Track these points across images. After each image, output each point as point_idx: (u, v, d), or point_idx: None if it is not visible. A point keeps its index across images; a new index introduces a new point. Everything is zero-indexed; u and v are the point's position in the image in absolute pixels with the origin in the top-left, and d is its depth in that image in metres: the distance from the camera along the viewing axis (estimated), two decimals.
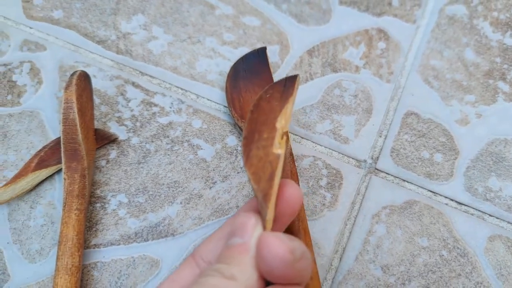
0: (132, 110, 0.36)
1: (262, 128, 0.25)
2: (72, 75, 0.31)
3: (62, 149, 0.30)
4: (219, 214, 0.33)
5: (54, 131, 0.35)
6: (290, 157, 0.32)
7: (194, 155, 0.34)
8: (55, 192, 0.33)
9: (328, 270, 0.31)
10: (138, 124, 0.35)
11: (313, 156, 0.35)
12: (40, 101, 0.36)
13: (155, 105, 0.36)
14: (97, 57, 0.38)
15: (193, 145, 0.35)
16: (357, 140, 0.35)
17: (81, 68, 0.37)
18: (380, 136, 0.36)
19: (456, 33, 0.39)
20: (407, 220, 0.33)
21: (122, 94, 0.36)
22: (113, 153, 0.34)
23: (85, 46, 0.38)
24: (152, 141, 0.35)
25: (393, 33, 0.39)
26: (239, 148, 0.35)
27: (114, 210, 0.33)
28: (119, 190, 0.33)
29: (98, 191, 0.33)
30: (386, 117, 0.36)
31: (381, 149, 0.35)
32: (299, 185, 0.31)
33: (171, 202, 0.33)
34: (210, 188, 0.33)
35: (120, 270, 0.31)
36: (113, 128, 0.35)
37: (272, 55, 0.38)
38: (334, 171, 0.34)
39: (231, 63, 0.37)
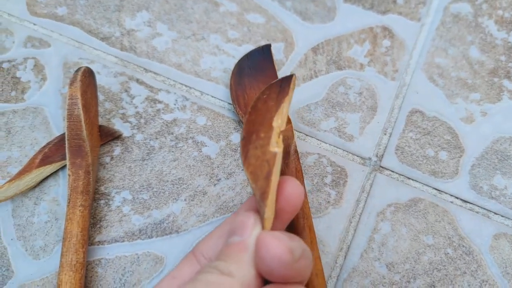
0: (136, 107, 0.36)
1: (259, 128, 0.25)
2: (76, 71, 0.30)
3: (66, 145, 0.30)
4: (224, 211, 0.33)
5: (58, 127, 0.35)
6: (295, 154, 0.32)
7: (198, 152, 0.34)
8: (59, 189, 0.33)
9: (333, 267, 0.31)
10: (142, 121, 0.35)
11: (318, 154, 0.35)
12: (44, 97, 0.36)
13: (160, 102, 0.36)
14: (101, 54, 0.38)
15: (198, 142, 0.35)
16: (362, 137, 0.35)
17: (85, 64, 0.37)
18: (385, 134, 0.35)
19: (461, 31, 0.39)
20: (412, 218, 0.33)
21: (126, 91, 0.36)
22: (117, 149, 0.34)
23: (89, 43, 0.38)
24: (157, 138, 0.35)
25: (397, 31, 0.39)
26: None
27: (118, 206, 0.33)
28: (123, 187, 0.33)
29: (102, 188, 0.33)
30: (390, 114, 0.36)
31: (385, 147, 0.35)
32: (304, 182, 0.31)
33: (175, 199, 0.33)
34: (215, 185, 0.33)
35: (124, 267, 0.31)
36: (117, 125, 0.35)
37: (277, 52, 0.38)
38: (339, 169, 0.34)
39: (236, 60, 0.37)
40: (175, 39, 0.39)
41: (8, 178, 0.33)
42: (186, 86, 0.37)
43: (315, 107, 0.36)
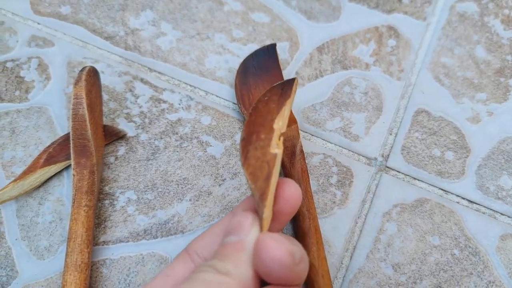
0: (140, 107, 0.36)
1: (260, 129, 0.25)
2: (81, 70, 0.30)
3: (71, 145, 0.30)
4: (229, 211, 0.32)
5: (62, 127, 0.35)
6: (300, 154, 0.32)
7: (203, 152, 0.34)
8: (64, 189, 0.33)
9: (338, 268, 0.31)
10: (146, 120, 0.35)
11: (323, 154, 0.34)
12: (48, 97, 0.36)
13: (164, 102, 0.36)
14: (105, 53, 0.38)
15: (202, 142, 0.34)
16: (368, 137, 0.35)
17: (89, 64, 0.37)
18: (391, 134, 0.35)
19: (467, 30, 0.39)
20: (418, 218, 0.32)
21: (130, 91, 0.36)
22: (121, 149, 0.34)
23: (93, 42, 0.38)
24: (161, 138, 0.35)
25: (403, 30, 0.39)
26: None
27: (122, 207, 0.33)
28: (127, 187, 0.33)
29: (106, 188, 0.33)
30: (396, 114, 0.36)
31: (391, 147, 0.35)
32: (309, 182, 0.31)
33: (180, 199, 0.33)
34: (220, 185, 0.33)
35: (129, 267, 0.31)
36: (122, 125, 0.35)
37: (282, 52, 0.38)
38: (345, 169, 0.34)
39: (240, 60, 0.37)
40: (179, 39, 0.38)
41: (13, 178, 0.33)
42: (190, 85, 0.37)
43: (321, 107, 0.36)
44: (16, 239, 0.32)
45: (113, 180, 0.33)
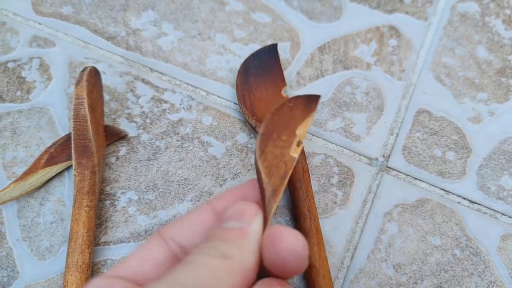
0: (142, 107, 0.36)
1: (282, 130, 0.27)
2: (82, 71, 0.30)
3: (72, 146, 0.30)
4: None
5: (63, 127, 0.35)
6: (301, 154, 0.32)
7: (204, 152, 0.34)
8: (65, 189, 0.33)
9: (339, 268, 0.31)
10: (148, 120, 0.35)
11: (324, 154, 0.34)
12: (50, 97, 0.36)
13: (165, 102, 0.36)
14: (107, 54, 0.38)
15: (203, 142, 0.35)
16: (369, 137, 0.35)
17: (90, 64, 0.37)
18: (392, 134, 0.35)
19: (468, 30, 0.39)
20: (419, 218, 0.32)
21: (132, 91, 0.36)
22: (123, 150, 0.34)
23: (94, 42, 0.38)
24: (162, 138, 0.35)
25: (404, 30, 0.39)
26: (250, 146, 0.34)
27: (124, 207, 0.33)
28: (129, 187, 0.33)
29: (107, 188, 0.33)
30: (397, 114, 0.36)
31: (392, 147, 0.35)
32: (310, 183, 0.31)
33: (181, 199, 0.33)
34: (221, 185, 0.33)
35: None
36: (123, 125, 0.35)
37: (283, 52, 0.38)
38: (346, 169, 0.34)
39: (242, 60, 0.37)
40: (180, 39, 0.38)
41: (14, 178, 0.33)
42: (192, 86, 0.37)
43: (322, 107, 0.36)
44: (17, 240, 0.32)
45: (114, 180, 0.33)
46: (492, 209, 0.33)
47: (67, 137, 0.33)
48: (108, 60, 0.37)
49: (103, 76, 0.36)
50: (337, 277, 0.31)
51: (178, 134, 0.35)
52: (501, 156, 0.34)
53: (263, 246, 0.22)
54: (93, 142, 0.30)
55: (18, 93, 0.36)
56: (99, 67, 0.37)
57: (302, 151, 0.32)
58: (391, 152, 0.35)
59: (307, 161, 0.34)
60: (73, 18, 0.39)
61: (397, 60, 0.38)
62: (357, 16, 0.40)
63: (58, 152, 0.33)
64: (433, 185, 0.34)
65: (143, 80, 0.37)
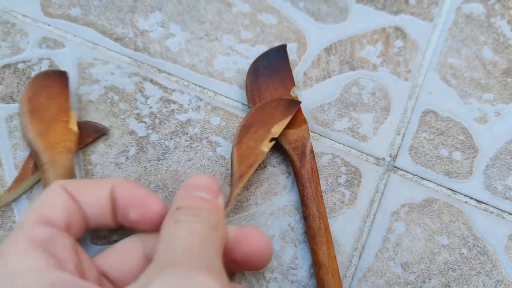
0: (150, 107, 0.36)
1: (260, 126, 0.31)
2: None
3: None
4: (238, 211, 0.33)
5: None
6: (310, 154, 0.32)
7: (213, 152, 0.34)
8: None
9: (348, 267, 0.31)
10: (157, 121, 0.35)
11: (332, 154, 0.35)
12: None
13: (174, 102, 0.36)
14: (115, 55, 0.38)
15: (212, 142, 0.35)
16: (375, 138, 0.35)
17: (99, 65, 0.37)
18: (398, 134, 0.36)
19: (474, 31, 0.39)
20: (426, 218, 0.33)
21: (140, 91, 0.36)
22: (132, 149, 0.34)
23: (103, 44, 0.39)
24: (171, 138, 0.35)
25: (410, 31, 0.39)
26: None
27: None
28: None
29: None
30: (404, 115, 0.36)
31: (399, 147, 0.35)
32: (319, 182, 0.32)
33: None
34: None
35: None
36: (132, 125, 0.35)
37: (290, 53, 0.38)
38: (353, 169, 0.34)
39: (249, 61, 0.38)
40: (188, 40, 0.39)
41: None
42: (199, 86, 0.37)
43: (329, 107, 0.36)
44: None
45: None
46: (499, 209, 0.33)
47: None
48: (117, 61, 0.38)
49: (111, 77, 0.37)
50: (345, 276, 0.31)
51: (186, 134, 0.35)
52: (508, 156, 0.35)
53: (232, 244, 0.24)
54: (38, 142, 0.31)
55: None
56: (108, 68, 0.37)
57: (311, 151, 0.32)
58: (398, 152, 0.35)
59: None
60: (81, 19, 0.39)
61: (403, 61, 0.38)
62: (363, 17, 0.40)
63: None
64: (440, 185, 0.34)
65: (151, 80, 0.37)
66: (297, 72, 0.38)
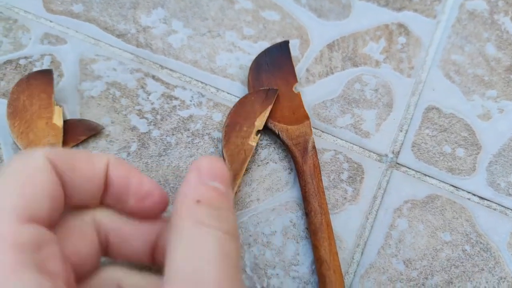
0: (152, 103, 0.36)
1: (243, 122, 0.32)
2: None
3: None
4: (240, 207, 0.33)
5: None
6: (313, 150, 0.32)
7: (215, 148, 0.34)
8: None
9: (350, 263, 0.31)
10: (158, 117, 0.35)
11: (334, 150, 0.35)
12: (61, 94, 0.36)
13: (176, 98, 0.36)
14: (117, 51, 0.38)
15: (214, 138, 0.35)
16: (378, 134, 0.35)
17: (101, 61, 0.37)
18: (401, 131, 0.35)
19: (477, 28, 0.39)
20: (429, 214, 0.33)
21: (142, 87, 0.36)
22: (134, 145, 0.34)
23: (105, 40, 0.38)
24: (173, 134, 0.35)
25: (413, 28, 0.39)
26: (260, 142, 0.35)
27: None
28: None
29: None
30: (407, 111, 0.36)
31: (402, 144, 0.35)
32: (321, 178, 0.31)
33: None
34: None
35: None
36: (134, 121, 0.35)
37: (292, 49, 0.38)
38: (355, 165, 0.34)
39: (251, 57, 0.37)
40: (190, 36, 0.39)
41: None
42: (202, 82, 0.37)
43: (331, 103, 0.36)
44: None
45: None
46: (502, 206, 0.33)
47: None
48: (119, 57, 0.38)
49: (113, 73, 0.37)
50: (347, 272, 0.31)
51: (188, 130, 0.35)
52: (511, 153, 0.35)
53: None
54: (19, 141, 0.32)
55: None
56: (110, 64, 0.37)
57: (313, 147, 0.32)
58: (400, 148, 0.35)
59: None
60: (83, 15, 0.39)
61: (406, 57, 0.38)
62: (366, 14, 0.40)
63: None
64: (443, 182, 0.34)
65: (153, 77, 0.37)
66: (300, 68, 0.38)
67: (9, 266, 0.15)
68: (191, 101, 0.36)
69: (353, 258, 0.31)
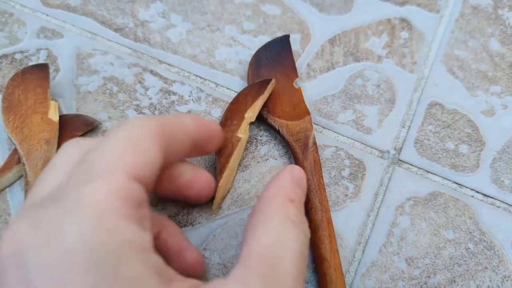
0: (150, 98, 0.35)
1: (234, 116, 0.31)
2: None
3: None
4: (239, 204, 0.32)
5: None
6: (313, 146, 0.31)
7: None
8: None
9: (351, 262, 0.31)
10: (156, 112, 0.35)
11: (335, 147, 0.34)
12: (57, 88, 0.36)
13: (174, 94, 0.36)
14: (115, 45, 0.37)
15: None
16: (380, 130, 0.35)
17: (98, 55, 0.37)
18: (403, 127, 0.35)
19: (481, 23, 0.39)
20: (432, 212, 0.32)
21: (140, 82, 0.36)
22: None
23: (102, 34, 0.38)
24: None
25: (416, 22, 0.39)
26: (259, 138, 0.34)
27: None
28: None
29: None
30: (409, 107, 0.35)
31: (404, 140, 0.34)
32: (322, 175, 0.31)
33: None
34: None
35: None
36: (132, 116, 0.34)
37: (293, 43, 0.37)
38: (357, 162, 0.34)
39: (251, 52, 0.37)
40: (189, 30, 0.38)
41: None
42: (200, 77, 0.36)
43: (332, 99, 0.36)
44: None
45: None
46: (506, 203, 0.32)
47: None
48: (116, 52, 0.37)
49: (111, 68, 0.36)
50: (348, 271, 0.30)
51: None
52: None
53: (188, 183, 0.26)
54: (13, 136, 0.31)
55: None
56: (107, 58, 0.37)
57: (314, 143, 0.32)
58: (403, 145, 0.34)
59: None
60: (80, 9, 0.39)
61: (409, 52, 0.37)
62: (368, 8, 0.39)
63: None
64: (446, 179, 0.33)
65: (151, 71, 0.36)
66: (301, 63, 0.37)
67: (117, 214, 0.16)
68: (189, 96, 0.35)
69: (354, 256, 0.31)
